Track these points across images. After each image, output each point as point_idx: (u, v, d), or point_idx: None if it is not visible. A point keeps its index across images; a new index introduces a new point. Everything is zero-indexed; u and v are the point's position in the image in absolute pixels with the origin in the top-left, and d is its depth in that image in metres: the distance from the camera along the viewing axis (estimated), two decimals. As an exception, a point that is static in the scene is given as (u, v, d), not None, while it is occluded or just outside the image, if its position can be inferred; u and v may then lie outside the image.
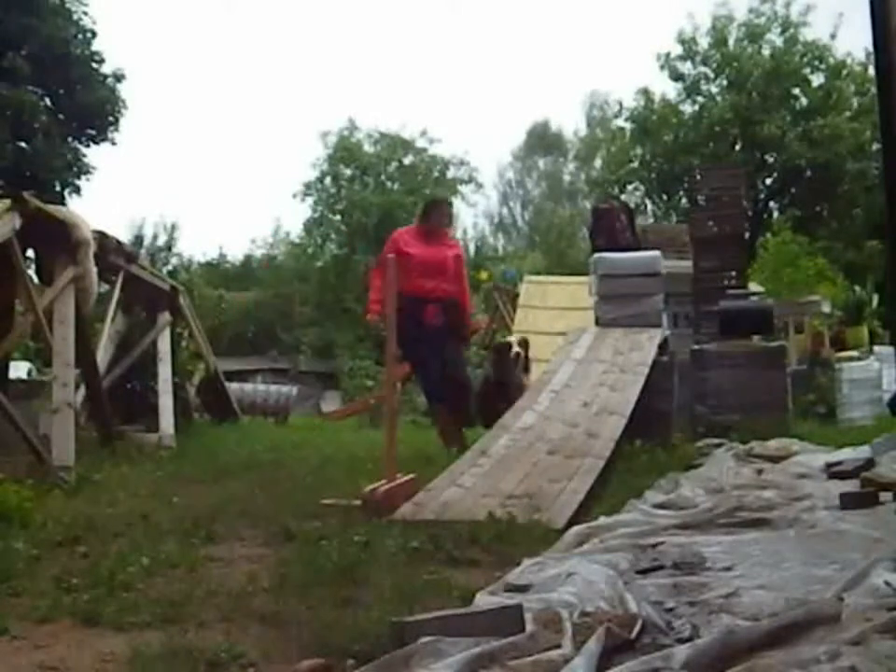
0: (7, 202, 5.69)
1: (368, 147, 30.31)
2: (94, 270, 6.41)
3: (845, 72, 26.26)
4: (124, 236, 16.07)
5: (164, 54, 60.85)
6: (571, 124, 54.32)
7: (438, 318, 6.51)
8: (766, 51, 26.45)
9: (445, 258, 6.68)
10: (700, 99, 27.02)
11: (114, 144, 21.08)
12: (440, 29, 60.40)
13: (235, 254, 33.08)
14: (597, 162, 34.05)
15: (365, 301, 7.39)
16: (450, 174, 30.42)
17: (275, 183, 61.28)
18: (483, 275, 22.22)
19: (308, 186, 29.88)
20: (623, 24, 56.80)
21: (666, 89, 27.57)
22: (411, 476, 4.81)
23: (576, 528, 3.73)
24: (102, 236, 7.16)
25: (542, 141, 42.46)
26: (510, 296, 15.75)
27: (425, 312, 6.39)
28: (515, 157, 43.35)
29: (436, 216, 6.89)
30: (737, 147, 26.25)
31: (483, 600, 2.67)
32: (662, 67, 27.14)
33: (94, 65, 20.30)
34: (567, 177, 42.57)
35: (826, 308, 15.42)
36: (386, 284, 5.07)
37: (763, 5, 26.78)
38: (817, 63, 26.37)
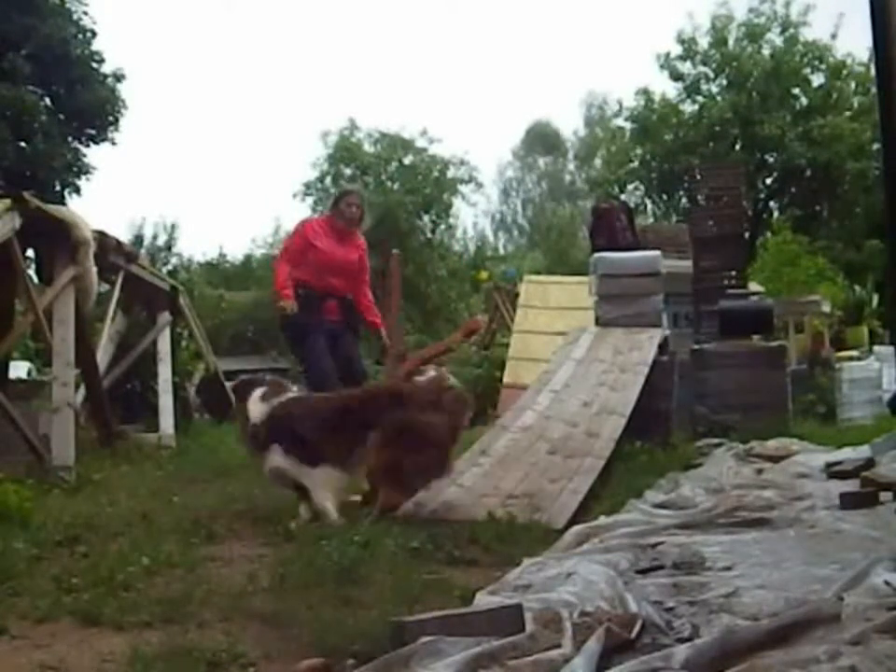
0: (8, 201, 5.68)
1: (368, 147, 30.33)
2: (94, 269, 6.40)
3: (845, 72, 26.26)
4: (124, 236, 16.05)
5: (164, 54, 60.98)
6: (570, 124, 54.38)
7: (336, 314, 6.20)
8: (766, 51, 26.44)
9: (351, 258, 6.30)
10: (700, 99, 27.01)
11: (114, 143, 21.09)
12: (439, 29, 60.46)
13: (235, 254, 33.11)
14: (597, 162, 34.07)
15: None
16: (450, 173, 30.42)
17: (275, 183, 61.34)
18: (483, 275, 22.21)
19: (308, 185, 29.92)
20: (622, 24, 56.85)
21: (666, 88, 27.59)
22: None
23: (576, 528, 3.73)
24: (102, 236, 7.16)
25: (541, 140, 42.47)
26: (510, 296, 15.75)
27: (324, 307, 6.12)
28: (515, 156, 43.40)
29: (345, 208, 6.32)
30: (737, 147, 26.24)
31: (483, 600, 2.67)
32: (662, 67, 27.14)
33: (94, 65, 20.30)
34: (567, 177, 42.61)
35: (826, 308, 15.41)
36: (392, 284, 5.02)
37: (762, 4, 26.79)
38: (817, 62, 26.37)
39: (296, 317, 6.10)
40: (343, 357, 6.09)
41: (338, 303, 6.19)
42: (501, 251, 38.43)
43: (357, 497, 4.39)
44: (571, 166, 42.35)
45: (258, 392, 4.45)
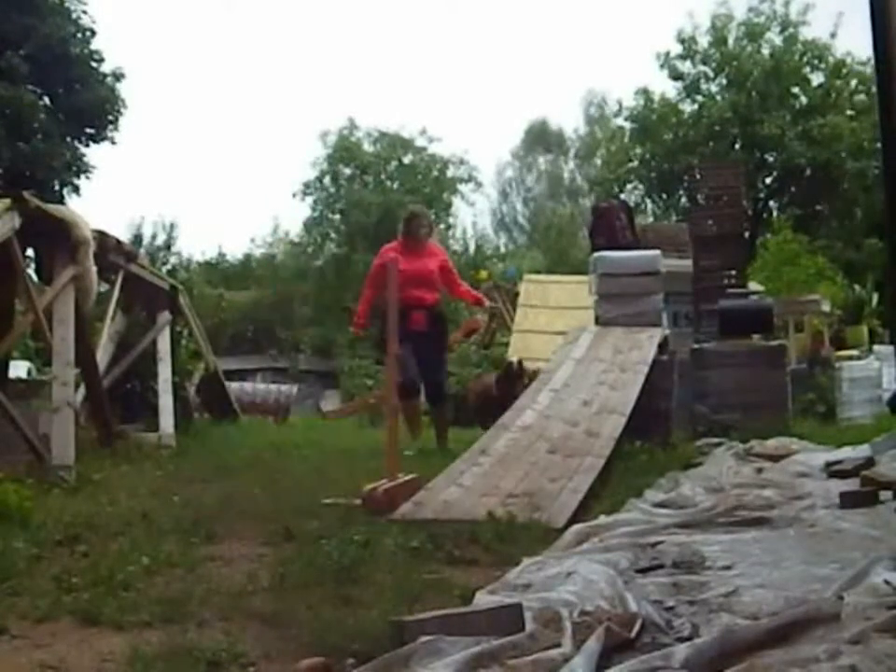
0: (7, 201, 5.68)
1: (367, 147, 30.31)
2: (94, 269, 6.40)
3: (844, 71, 26.26)
4: (123, 235, 16.04)
5: (164, 53, 60.87)
6: (570, 122, 54.38)
7: (420, 325, 6.99)
8: (766, 50, 26.44)
9: (427, 268, 7.20)
10: (700, 98, 27.01)
11: (113, 143, 21.08)
12: (439, 28, 60.42)
13: (235, 253, 33.09)
14: (597, 161, 34.05)
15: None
16: (449, 172, 30.40)
17: (275, 182, 61.24)
18: (483, 274, 22.21)
19: (307, 185, 29.88)
20: (622, 23, 56.77)
21: (666, 88, 27.59)
22: (412, 476, 4.81)
23: (576, 527, 3.73)
24: (101, 235, 7.15)
25: (541, 139, 42.44)
26: (510, 295, 15.76)
27: (409, 318, 6.68)
28: (514, 155, 43.37)
29: (414, 227, 7.41)
30: (737, 147, 26.23)
31: (483, 599, 2.67)
32: (661, 66, 27.14)
33: (93, 64, 20.29)
34: (566, 176, 42.57)
35: (826, 307, 15.41)
36: (391, 286, 5.11)
37: (762, 4, 26.79)
38: (816, 62, 26.37)
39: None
40: (426, 362, 6.99)
41: (425, 314, 7.07)
42: (502, 249, 38.39)
43: (358, 501, 4.39)
44: (571, 164, 42.32)
45: None
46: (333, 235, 30.24)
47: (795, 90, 26.23)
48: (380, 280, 6.96)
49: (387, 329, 5.09)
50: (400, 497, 4.42)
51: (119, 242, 8.00)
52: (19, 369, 10.98)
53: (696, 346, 8.30)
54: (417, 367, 7.02)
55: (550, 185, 42.65)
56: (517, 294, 13.23)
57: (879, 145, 2.59)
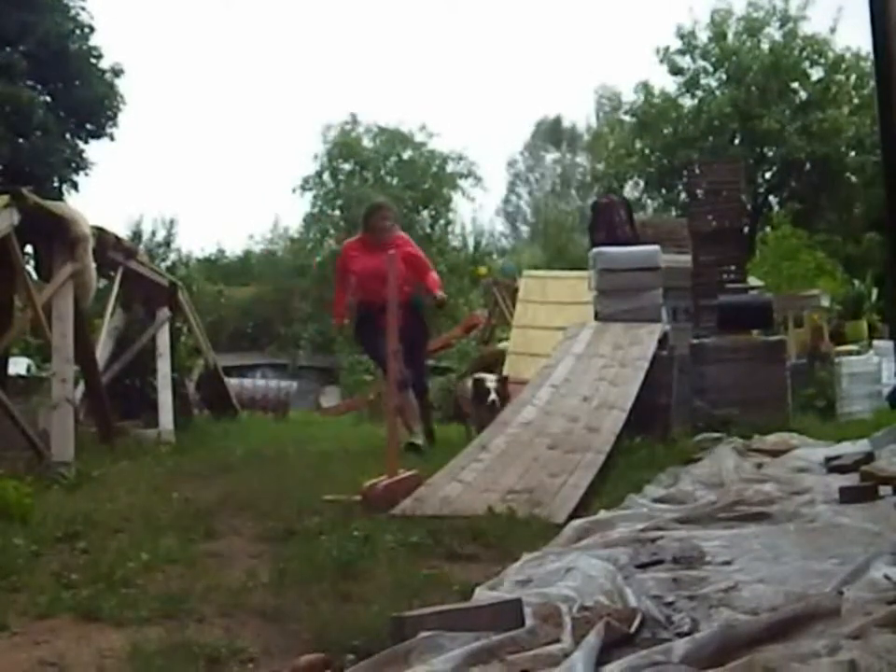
0: (6, 198, 5.67)
1: (367, 143, 30.30)
2: (93, 266, 6.40)
3: (844, 66, 26.25)
4: (123, 232, 16.06)
5: (163, 49, 60.91)
6: (571, 117, 54.27)
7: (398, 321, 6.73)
8: (765, 45, 26.44)
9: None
10: (699, 93, 27.01)
11: (112, 139, 21.10)
12: (439, 27, 60.41)
13: (234, 249, 33.11)
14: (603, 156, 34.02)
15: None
16: (449, 168, 30.39)
17: (274, 178, 61.26)
18: (482, 270, 22.22)
19: (307, 181, 29.90)
20: (623, 18, 56.76)
21: (666, 83, 27.58)
22: (412, 472, 4.81)
23: (575, 523, 3.73)
24: (100, 232, 7.15)
25: (550, 134, 42.44)
26: (509, 291, 15.73)
27: (377, 318, 6.32)
28: (523, 150, 43.38)
29: (377, 220, 7.09)
30: (737, 141, 26.25)
31: (483, 595, 2.67)
32: (661, 61, 27.14)
33: (92, 61, 20.29)
34: (577, 171, 42.49)
35: (825, 302, 15.41)
36: (390, 284, 5.06)
37: (761, -2, 26.78)
38: (816, 56, 26.37)
39: (357, 331, 7.23)
40: (404, 356, 6.29)
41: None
42: (506, 245, 38.46)
43: (357, 497, 4.39)
44: (579, 159, 42.24)
45: None
46: (333, 231, 30.24)
47: (795, 84, 26.23)
48: (347, 277, 7.19)
49: (386, 326, 5.08)
50: (400, 493, 4.42)
51: (118, 238, 8.01)
52: (18, 365, 11.00)
53: (696, 342, 8.30)
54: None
55: (558, 180, 42.65)
56: (516, 290, 13.19)
57: (879, 139, 2.58)
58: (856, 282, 19.72)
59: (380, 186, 28.90)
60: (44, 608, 2.70)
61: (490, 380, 7.57)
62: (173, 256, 30.64)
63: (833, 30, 26.54)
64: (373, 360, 7.84)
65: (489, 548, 3.52)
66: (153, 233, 31.05)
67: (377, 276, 6.35)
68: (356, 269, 7.05)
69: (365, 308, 6.98)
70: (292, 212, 48.20)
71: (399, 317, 6.43)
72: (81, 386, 6.97)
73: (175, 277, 10.45)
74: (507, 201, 42.92)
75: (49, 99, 19.80)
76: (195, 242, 45.03)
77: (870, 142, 23.63)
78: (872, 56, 2.40)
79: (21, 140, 18.83)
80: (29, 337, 10.60)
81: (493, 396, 7.20)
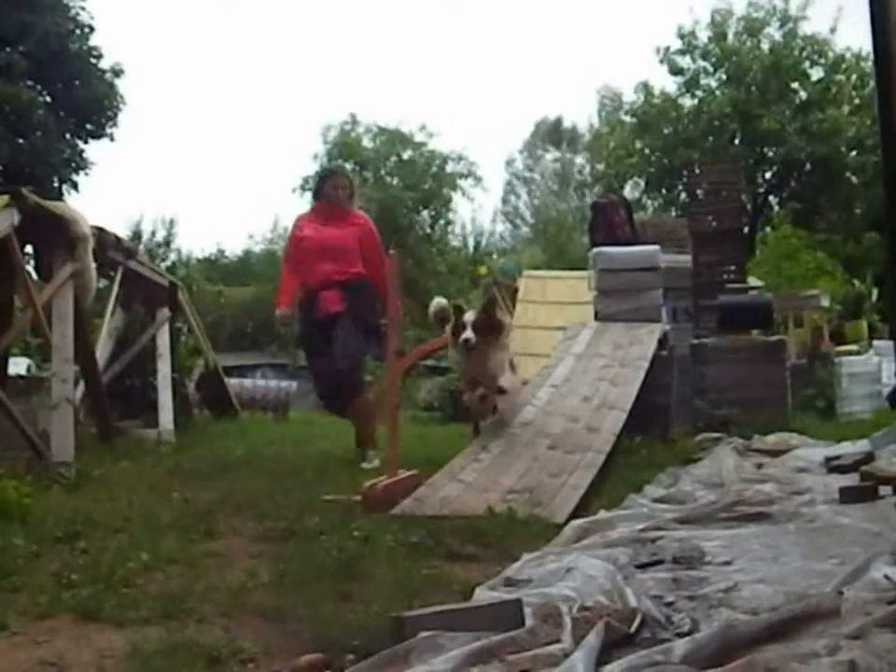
0: (6, 198, 5.67)
1: (367, 143, 30.30)
2: (93, 266, 6.39)
3: (844, 66, 26.25)
4: (123, 232, 16.06)
5: (163, 49, 60.91)
6: (572, 117, 54.27)
7: (334, 305, 5.88)
8: (765, 45, 26.45)
9: (344, 238, 6.01)
10: (699, 93, 27.01)
11: (112, 139, 21.09)
12: (439, 27, 60.43)
13: (234, 249, 33.11)
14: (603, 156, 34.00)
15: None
16: (449, 168, 30.39)
17: (274, 178, 61.26)
18: (482, 270, 22.21)
19: (307, 180, 29.85)
20: (623, 19, 56.78)
21: (666, 83, 27.59)
22: (413, 472, 4.80)
23: (575, 523, 3.73)
24: (100, 232, 7.15)
25: (550, 134, 42.44)
26: (509, 291, 15.73)
27: (318, 299, 5.87)
28: (522, 149, 43.39)
29: (330, 189, 6.23)
30: (737, 142, 26.25)
31: (483, 595, 2.67)
32: (661, 61, 27.15)
33: (92, 61, 20.29)
34: (576, 170, 42.49)
35: (825, 302, 15.42)
36: (391, 284, 4.98)
37: (761, -2, 26.78)
38: (816, 56, 26.38)
39: (300, 321, 6.16)
40: (339, 348, 5.81)
41: (338, 292, 5.90)
42: (506, 245, 38.45)
43: (357, 497, 4.39)
44: (579, 159, 42.25)
45: None
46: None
47: (795, 84, 26.24)
48: (299, 254, 6.12)
49: (388, 327, 5.07)
50: (400, 493, 4.42)
51: (118, 238, 8.00)
52: (18, 365, 11.00)
53: (696, 342, 8.30)
54: (331, 360, 5.87)
55: (558, 180, 42.65)
56: (516, 290, 13.19)
57: (879, 139, 2.58)
58: (856, 282, 19.73)
59: (380, 186, 28.90)
60: (44, 608, 2.70)
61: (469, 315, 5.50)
62: (173, 256, 30.69)
63: (833, 30, 26.61)
64: (313, 376, 6.51)
65: (489, 548, 3.52)
66: (153, 233, 31.09)
67: (326, 251, 5.91)
68: (303, 242, 6.15)
69: (308, 296, 6.03)
70: (292, 212, 48.27)
71: (338, 304, 5.81)
72: (81, 386, 6.97)
73: (175, 277, 10.45)
74: (505, 201, 42.95)
75: (49, 99, 19.79)
76: (195, 242, 45.17)
77: (870, 142, 23.63)
78: (872, 56, 2.40)
79: (21, 140, 18.82)
80: (29, 337, 10.61)
81: (468, 333, 5.30)
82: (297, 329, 6.57)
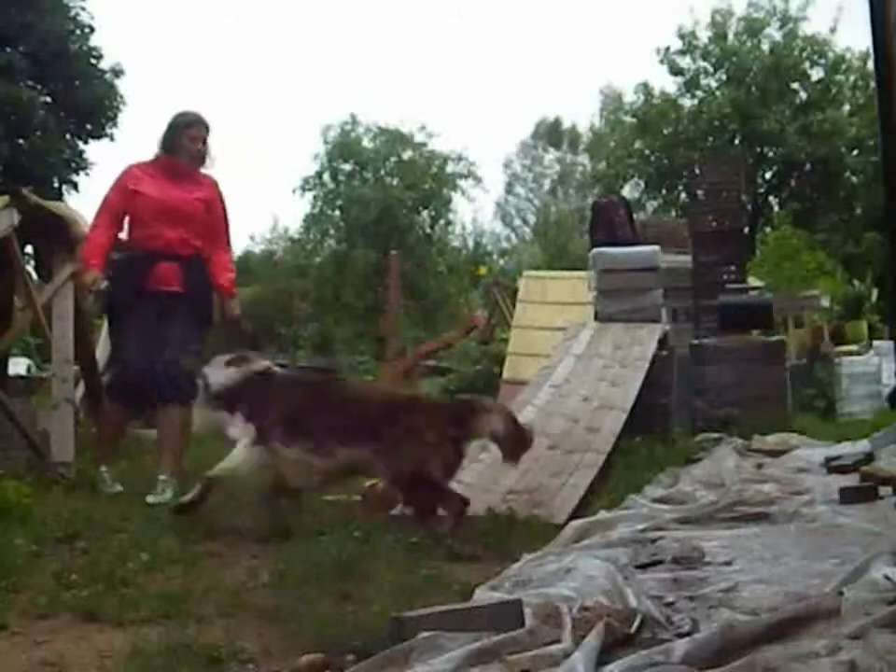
0: (6, 198, 5.67)
1: (367, 143, 30.29)
2: (93, 266, 6.38)
3: (844, 66, 26.25)
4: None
5: (163, 49, 60.89)
6: (572, 117, 54.27)
7: (170, 282, 4.80)
8: (766, 46, 26.43)
9: (189, 201, 4.92)
10: (699, 93, 26.99)
11: (112, 139, 21.05)
12: (439, 27, 60.47)
13: (234, 250, 33.11)
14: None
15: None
16: (449, 168, 30.37)
17: (274, 178, 61.27)
18: (482, 271, 22.23)
19: (307, 181, 29.88)
20: (623, 19, 56.81)
21: (666, 83, 27.57)
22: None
23: (575, 523, 3.73)
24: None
25: (550, 134, 42.45)
26: (509, 291, 15.73)
27: (151, 271, 4.76)
28: (522, 149, 43.38)
29: (179, 139, 4.93)
30: (737, 142, 26.23)
31: (483, 595, 2.67)
32: (661, 61, 27.13)
33: (93, 61, 20.24)
34: (578, 170, 42.47)
35: (825, 302, 15.42)
36: (391, 284, 4.97)
37: (762, -1, 26.77)
38: (816, 57, 26.36)
39: (113, 289, 4.96)
40: (168, 339, 4.71)
41: (178, 266, 4.82)
42: (506, 245, 38.47)
43: (358, 497, 4.39)
44: (579, 159, 42.23)
45: None
46: (333, 232, 30.25)
47: (795, 85, 26.22)
48: (131, 211, 4.90)
49: (386, 327, 5.06)
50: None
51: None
52: (18, 365, 11.01)
53: (696, 342, 8.30)
54: (152, 348, 4.69)
55: (559, 180, 42.66)
56: (516, 290, 13.19)
57: (879, 139, 2.59)
58: (856, 282, 19.73)
59: (380, 186, 28.89)
60: (44, 608, 2.70)
61: None
62: (172, 256, 30.62)
63: (833, 30, 26.55)
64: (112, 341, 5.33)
65: (489, 548, 3.52)
66: (153, 233, 31.02)
67: (169, 214, 4.83)
68: (140, 199, 4.88)
69: (135, 262, 4.89)
70: (292, 212, 48.29)
71: (175, 282, 4.77)
72: (81, 386, 6.96)
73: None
74: (505, 201, 42.97)
75: (49, 99, 19.76)
76: (195, 242, 44.87)
77: (870, 142, 23.63)
78: (872, 56, 2.40)
79: (20, 140, 18.80)
80: (29, 337, 10.61)
81: None
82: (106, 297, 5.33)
